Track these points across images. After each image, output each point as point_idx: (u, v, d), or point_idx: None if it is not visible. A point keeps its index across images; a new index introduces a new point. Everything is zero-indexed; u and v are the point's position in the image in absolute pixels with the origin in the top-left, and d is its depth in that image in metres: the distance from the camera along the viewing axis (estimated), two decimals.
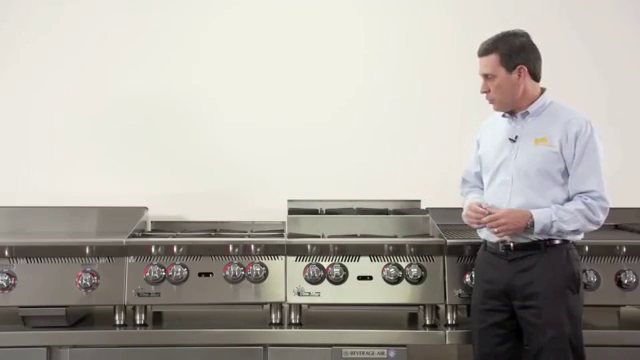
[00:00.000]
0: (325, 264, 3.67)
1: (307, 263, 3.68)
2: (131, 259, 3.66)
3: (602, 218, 3.28)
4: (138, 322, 3.71)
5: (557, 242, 3.29)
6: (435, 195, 4.26)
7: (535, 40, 3.38)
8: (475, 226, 3.42)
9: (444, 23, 4.64)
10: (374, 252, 3.69)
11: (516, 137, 3.37)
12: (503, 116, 3.45)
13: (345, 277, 3.65)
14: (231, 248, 3.68)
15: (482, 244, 3.49)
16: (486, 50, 3.35)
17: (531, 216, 3.24)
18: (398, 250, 3.69)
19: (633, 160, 4.54)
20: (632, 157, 4.54)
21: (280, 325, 3.71)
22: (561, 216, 3.23)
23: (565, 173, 3.31)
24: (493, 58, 3.33)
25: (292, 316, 3.72)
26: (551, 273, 3.26)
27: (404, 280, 3.65)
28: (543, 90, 3.40)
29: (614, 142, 4.27)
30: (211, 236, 3.93)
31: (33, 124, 4.56)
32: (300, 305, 3.71)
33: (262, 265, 3.66)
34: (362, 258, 3.69)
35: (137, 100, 4.58)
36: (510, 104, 3.38)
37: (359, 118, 4.59)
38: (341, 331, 3.64)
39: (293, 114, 4.59)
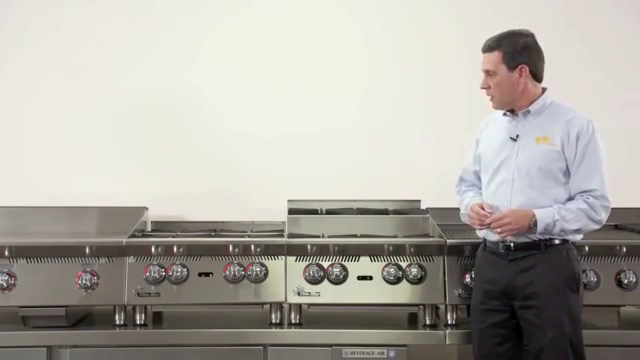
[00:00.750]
0: (325, 264, 3.67)
1: (307, 263, 3.68)
2: (131, 259, 3.66)
3: (604, 217, 3.28)
4: (138, 322, 3.71)
5: (557, 242, 3.29)
6: (435, 195, 4.26)
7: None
8: (477, 227, 3.42)
9: (443, 25, 4.64)
10: (374, 252, 3.69)
11: (517, 136, 3.37)
12: (504, 115, 3.45)
13: (345, 277, 3.65)
14: (231, 248, 3.68)
15: (481, 244, 3.49)
16: (490, 47, 3.36)
17: (534, 215, 3.24)
18: (398, 250, 3.69)
19: (633, 160, 4.54)
20: (632, 157, 4.54)
21: (280, 325, 3.71)
22: (563, 215, 3.23)
23: (566, 172, 3.31)
24: (496, 55, 3.33)
25: (292, 316, 3.72)
26: (551, 273, 3.26)
27: (404, 280, 3.65)
28: (544, 90, 3.40)
29: (614, 142, 4.27)
30: (211, 236, 3.93)
31: (33, 124, 4.56)
32: (300, 305, 3.71)
33: (262, 265, 3.66)
34: (362, 258, 3.69)
35: (137, 100, 4.58)
36: (509, 102, 3.38)
37: (359, 119, 4.60)
38: (341, 331, 3.64)
39: (293, 115, 4.59)
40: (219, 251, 3.69)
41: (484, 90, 3.41)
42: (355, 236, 3.85)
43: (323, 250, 3.69)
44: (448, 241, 3.70)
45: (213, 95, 4.60)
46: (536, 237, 3.27)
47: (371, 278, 3.66)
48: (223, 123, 4.60)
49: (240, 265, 3.66)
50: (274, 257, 3.69)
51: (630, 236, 3.97)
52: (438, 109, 4.57)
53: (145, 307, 3.72)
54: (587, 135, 3.28)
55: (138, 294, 3.63)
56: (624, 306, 3.77)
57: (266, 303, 3.74)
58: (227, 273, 3.65)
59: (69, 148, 4.55)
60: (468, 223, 3.47)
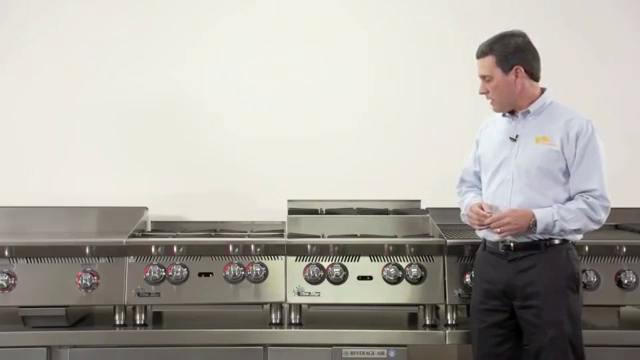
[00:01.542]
0: (325, 264, 3.67)
1: (307, 263, 3.68)
2: (131, 259, 3.66)
3: (604, 217, 3.28)
4: (138, 322, 3.71)
5: (557, 242, 3.29)
6: (435, 195, 4.25)
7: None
8: (476, 227, 3.42)
9: (443, 26, 4.63)
10: (374, 252, 3.69)
11: (517, 136, 3.37)
12: (503, 115, 3.45)
13: (345, 277, 3.65)
14: (231, 248, 3.68)
15: (481, 244, 3.49)
16: (483, 52, 3.36)
17: (533, 215, 3.24)
18: (398, 250, 3.69)
19: (633, 160, 4.54)
20: (632, 157, 4.54)
21: (280, 325, 3.71)
22: (563, 215, 3.23)
23: (566, 172, 3.31)
24: (489, 60, 3.34)
25: (292, 316, 3.72)
26: (551, 273, 3.26)
27: (404, 280, 3.65)
28: (543, 90, 3.40)
29: (614, 142, 4.26)
30: (211, 236, 3.93)
31: (33, 124, 4.56)
32: (300, 305, 3.71)
33: (262, 265, 3.66)
34: (362, 258, 3.69)
35: (138, 100, 4.59)
36: (509, 104, 3.38)
37: (359, 119, 4.60)
38: (341, 331, 3.64)
39: (293, 115, 4.59)
40: (219, 251, 3.69)
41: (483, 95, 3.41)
42: (355, 236, 3.85)
43: (323, 250, 3.69)
44: (448, 241, 3.70)
45: (213, 95, 4.60)
46: (536, 237, 3.27)
47: (371, 278, 3.66)
48: (223, 123, 4.60)
49: (240, 265, 3.66)
50: (274, 257, 3.69)
51: (630, 236, 3.97)
52: (438, 110, 4.57)
53: (145, 307, 3.72)
54: (587, 135, 3.28)
55: (138, 294, 3.63)
56: (624, 306, 3.77)
57: (266, 303, 3.74)
58: (227, 273, 3.65)
59: (69, 148, 4.56)
60: (468, 223, 3.47)
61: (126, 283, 3.63)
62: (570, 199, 3.31)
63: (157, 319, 3.83)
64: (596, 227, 3.30)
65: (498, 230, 3.27)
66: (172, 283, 3.63)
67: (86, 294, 3.61)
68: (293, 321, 3.71)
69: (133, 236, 3.84)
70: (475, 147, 3.62)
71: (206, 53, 4.63)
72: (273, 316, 3.73)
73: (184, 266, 3.65)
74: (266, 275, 3.66)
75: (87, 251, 3.64)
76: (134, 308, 3.71)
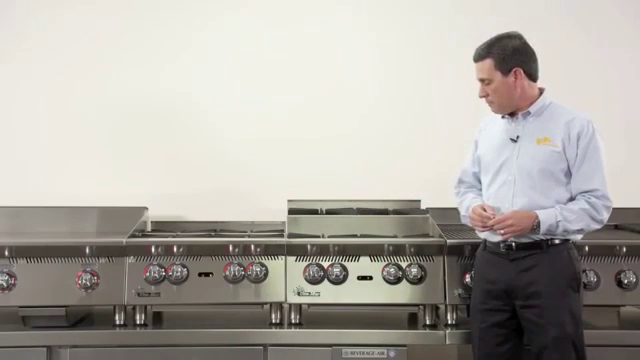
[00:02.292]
0: (325, 264, 3.67)
1: (307, 263, 3.68)
2: (131, 259, 3.66)
3: (606, 217, 3.29)
4: (138, 322, 3.71)
5: (558, 242, 3.29)
6: (435, 195, 4.25)
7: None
8: (479, 229, 3.42)
9: (446, 28, 4.63)
10: (374, 252, 3.69)
11: (517, 137, 3.37)
12: (503, 117, 3.45)
13: (345, 277, 3.65)
14: (231, 248, 3.68)
15: (481, 244, 3.49)
16: (480, 55, 3.36)
17: (537, 217, 3.24)
18: (398, 250, 3.69)
19: (633, 160, 4.53)
20: (632, 157, 4.54)
21: (280, 325, 3.71)
22: (566, 216, 3.24)
23: (568, 173, 3.31)
24: (488, 63, 3.33)
25: (292, 316, 3.72)
26: (553, 273, 3.26)
27: (404, 280, 3.65)
28: (542, 90, 3.40)
29: (614, 142, 4.26)
30: (211, 236, 3.93)
31: (34, 125, 4.57)
32: (300, 305, 3.71)
33: (262, 265, 3.66)
34: (362, 258, 3.69)
35: (138, 101, 4.59)
36: (509, 106, 3.38)
37: (359, 119, 4.60)
38: (341, 331, 3.64)
39: (294, 115, 4.59)
40: (219, 251, 3.69)
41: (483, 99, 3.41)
42: (355, 236, 3.85)
43: (323, 250, 3.69)
44: (448, 241, 3.70)
45: (214, 96, 4.60)
46: (537, 237, 3.28)
47: (371, 278, 3.66)
48: (224, 123, 4.60)
49: (240, 265, 3.66)
50: (274, 257, 3.69)
51: (630, 236, 3.97)
52: (438, 109, 4.58)
53: (145, 307, 3.72)
54: (588, 135, 3.28)
55: (138, 294, 3.63)
56: (624, 306, 3.77)
57: (266, 303, 3.74)
58: (227, 273, 3.65)
59: (69, 148, 4.55)
60: (469, 225, 3.47)
61: (126, 283, 3.63)
62: (572, 199, 3.31)
63: (157, 319, 3.83)
64: (598, 227, 3.30)
65: (502, 232, 3.27)
66: (172, 283, 3.63)
67: (86, 294, 3.61)
68: (293, 321, 3.71)
69: (133, 236, 3.83)
70: (474, 148, 3.61)
71: (207, 53, 4.63)
72: (273, 316, 3.73)
73: (184, 266, 3.65)
74: (266, 275, 3.66)
75: (87, 251, 3.64)
76: (134, 308, 3.71)
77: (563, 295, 3.25)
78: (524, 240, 3.30)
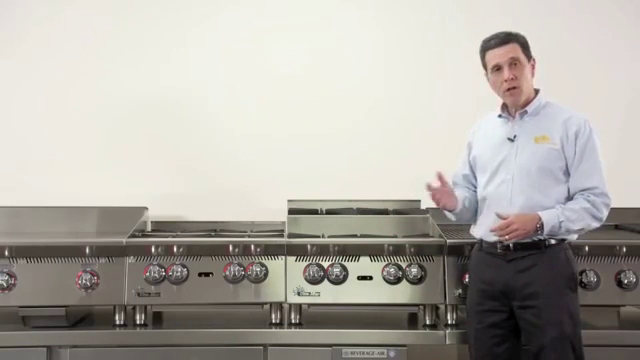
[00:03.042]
0: (325, 264, 3.67)
1: (307, 263, 3.68)
2: (131, 259, 3.66)
3: (605, 214, 3.29)
4: (138, 322, 3.71)
5: (555, 242, 3.30)
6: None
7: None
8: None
9: (450, 27, 4.63)
10: (374, 252, 3.69)
11: (515, 136, 3.38)
12: (499, 116, 3.46)
13: (345, 277, 3.66)
14: (231, 248, 3.68)
15: (477, 244, 3.49)
16: (504, 40, 3.34)
17: (540, 219, 3.24)
18: (398, 250, 3.69)
19: (633, 160, 4.53)
20: (632, 157, 4.53)
21: (280, 325, 3.71)
22: (568, 216, 3.24)
23: (566, 171, 3.32)
24: (515, 46, 3.33)
25: (292, 316, 3.72)
26: (551, 273, 3.26)
27: (404, 280, 3.65)
28: (537, 91, 3.42)
29: (614, 142, 4.27)
30: (211, 236, 3.93)
31: (33, 124, 4.57)
32: (300, 305, 3.71)
33: (262, 265, 3.66)
34: (362, 258, 3.69)
35: (137, 101, 4.59)
36: (526, 95, 3.37)
37: (359, 119, 4.59)
38: (341, 331, 3.64)
39: (293, 116, 4.59)
40: (219, 251, 3.69)
41: (507, 82, 3.32)
42: (355, 236, 3.85)
43: (323, 250, 3.69)
44: (448, 241, 3.70)
45: (213, 95, 4.61)
46: (536, 237, 3.28)
47: (371, 278, 3.66)
48: (223, 123, 4.60)
49: (240, 265, 3.66)
50: (274, 257, 3.69)
51: (630, 236, 3.97)
52: (439, 109, 4.57)
53: (145, 307, 3.72)
54: (585, 133, 3.30)
55: (138, 294, 3.63)
56: (624, 306, 3.77)
57: (266, 303, 3.74)
58: (227, 273, 3.65)
59: (69, 148, 4.55)
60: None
61: (126, 283, 3.63)
62: (570, 198, 3.31)
63: (157, 319, 3.83)
64: (598, 225, 3.31)
65: (507, 237, 3.26)
66: (172, 283, 3.64)
67: (86, 294, 3.61)
68: (293, 321, 3.71)
69: (133, 236, 3.83)
70: (467, 150, 3.61)
71: (207, 53, 4.63)
72: (273, 316, 3.73)
73: (184, 266, 3.65)
74: (266, 275, 3.66)
75: (87, 251, 3.64)
76: (134, 308, 3.71)
77: (561, 295, 3.25)
78: (522, 240, 3.30)
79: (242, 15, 4.64)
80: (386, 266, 3.67)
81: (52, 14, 4.61)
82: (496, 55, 3.34)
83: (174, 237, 3.83)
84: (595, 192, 3.27)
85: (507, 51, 3.32)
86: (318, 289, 3.65)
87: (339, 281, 3.65)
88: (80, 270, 3.62)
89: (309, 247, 3.69)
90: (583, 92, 4.41)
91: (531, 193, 3.31)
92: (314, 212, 4.22)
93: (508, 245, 3.32)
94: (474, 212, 3.53)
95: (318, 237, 3.81)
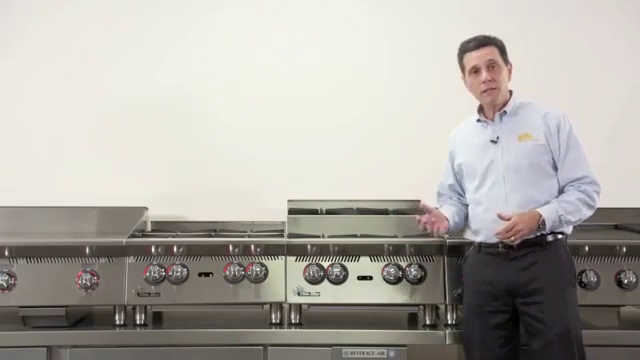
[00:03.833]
0: (325, 264, 3.67)
1: (307, 263, 3.68)
2: (131, 259, 3.66)
3: (597, 202, 3.35)
4: (138, 322, 3.71)
5: (554, 238, 3.32)
6: (435, 195, 4.24)
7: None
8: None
9: (452, 28, 4.61)
10: (374, 252, 3.69)
11: (497, 138, 3.41)
12: (477, 121, 3.49)
13: (345, 277, 3.66)
14: (231, 248, 3.68)
15: (473, 247, 3.50)
16: (483, 42, 3.40)
17: (540, 216, 3.26)
18: (398, 250, 3.69)
19: (632, 159, 4.53)
20: (631, 156, 4.53)
21: (280, 325, 3.71)
22: (565, 208, 3.28)
23: (554, 165, 3.37)
24: (493, 49, 3.39)
25: (292, 316, 3.72)
26: (553, 268, 3.29)
27: (404, 280, 3.66)
28: (511, 92, 3.47)
29: (613, 142, 4.27)
30: (211, 236, 3.93)
31: (33, 125, 4.57)
32: (300, 305, 3.71)
33: (262, 265, 3.66)
34: (362, 258, 3.69)
35: (137, 100, 4.59)
36: (502, 97, 3.42)
37: (359, 118, 4.60)
38: (341, 331, 3.64)
39: (293, 115, 4.59)
40: (219, 251, 3.69)
41: (484, 84, 3.37)
42: (355, 236, 3.85)
43: (323, 250, 3.69)
44: (448, 241, 3.70)
45: (213, 94, 4.61)
46: (538, 232, 3.29)
47: (371, 278, 3.66)
48: (224, 123, 4.60)
49: (240, 265, 3.66)
50: (274, 257, 3.69)
51: (630, 236, 3.97)
52: (438, 109, 4.56)
53: (145, 307, 3.72)
54: (566, 127, 3.36)
55: (138, 294, 3.63)
56: (624, 306, 3.76)
57: (266, 303, 3.74)
58: (227, 273, 3.65)
59: (69, 148, 4.56)
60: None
61: (126, 283, 3.63)
62: (561, 190, 3.35)
63: (157, 319, 3.83)
64: (591, 212, 3.35)
65: (512, 239, 3.26)
66: (172, 283, 3.64)
67: (86, 294, 3.61)
68: (293, 321, 3.71)
69: (133, 236, 3.83)
70: (449, 160, 3.65)
71: (206, 51, 4.63)
72: (273, 316, 3.73)
73: (184, 266, 3.65)
74: (266, 275, 3.66)
75: (87, 251, 3.64)
76: (134, 308, 3.71)
77: (564, 290, 3.28)
78: (526, 237, 3.30)
79: (239, 12, 4.64)
80: (386, 266, 3.67)
81: (51, 13, 4.61)
82: (474, 57, 3.39)
83: (174, 237, 3.83)
84: (585, 181, 3.32)
85: (485, 53, 3.38)
86: (318, 289, 3.65)
87: (339, 281, 3.65)
88: (80, 270, 3.61)
89: (309, 247, 3.69)
90: (583, 91, 4.41)
91: (525, 190, 3.34)
92: (314, 212, 4.22)
93: (511, 244, 3.31)
94: (465, 220, 3.55)
95: (318, 237, 3.81)
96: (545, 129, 3.35)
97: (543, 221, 3.26)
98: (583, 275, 3.61)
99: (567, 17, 4.66)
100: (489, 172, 3.41)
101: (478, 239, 3.46)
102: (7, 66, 4.60)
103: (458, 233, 3.78)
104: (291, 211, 4.15)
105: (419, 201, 4.32)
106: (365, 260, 3.68)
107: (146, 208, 4.28)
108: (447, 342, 3.62)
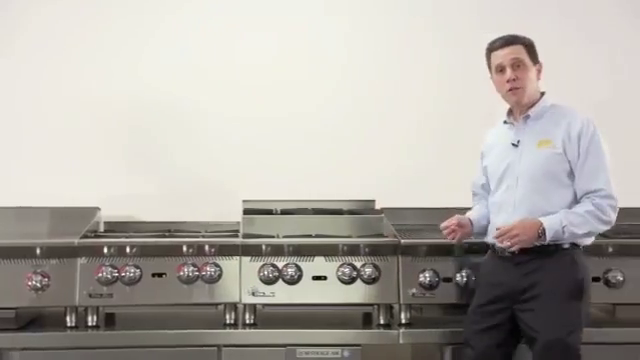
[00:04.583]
0: (280, 264, 3.67)
1: (262, 263, 3.67)
2: (83, 260, 3.61)
3: (613, 217, 3.25)
4: (90, 324, 3.66)
5: (564, 246, 3.26)
6: (390, 195, 4.28)
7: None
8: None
9: (410, 24, 4.65)
10: (329, 252, 3.69)
11: (518, 141, 3.37)
12: (504, 122, 3.47)
13: (300, 277, 3.65)
14: (185, 248, 3.66)
15: (490, 248, 3.49)
16: (509, 41, 3.35)
17: (541, 224, 3.21)
18: (352, 250, 3.70)
19: (633, 159, 4.55)
20: (632, 156, 4.56)
21: (234, 326, 3.69)
22: (571, 220, 3.20)
23: (570, 174, 3.29)
24: (520, 48, 3.34)
25: (246, 316, 3.71)
26: (552, 276, 3.23)
27: (358, 280, 3.66)
28: (542, 94, 3.42)
29: (616, 142, 4.25)
30: (165, 236, 3.90)
31: None
32: (255, 305, 3.70)
33: (216, 265, 3.65)
34: (317, 258, 3.69)
35: (88, 100, 4.51)
36: (529, 97, 3.36)
37: (313, 118, 4.59)
38: (295, 331, 3.64)
39: (248, 115, 4.57)
40: (173, 251, 3.66)
41: (509, 82, 3.32)
42: (310, 236, 3.85)
43: (278, 250, 3.68)
44: (402, 241, 3.71)
45: (166, 95, 4.56)
46: (538, 243, 3.25)
47: (326, 278, 3.67)
48: (177, 123, 4.56)
49: (194, 265, 3.64)
50: (228, 257, 3.68)
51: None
52: (392, 109, 4.59)
53: (97, 308, 3.67)
54: (588, 134, 3.26)
55: (90, 295, 3.59)
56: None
57: (220, 304, 3.72)
58: (181, 274, 3.62)
59: (20, 147, 4.49)
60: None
61: (78, 284, 3.58)
62: (577, 200, 3.29)
63: (110, 321, 3.79)
64: (606, 228, 3.28)
65: (508, 243, 3.25)
66: (125, 284, 3.60)
67: (36, 295, 3.55)
68: (247, 321, 3.70)
69: (85, 237, 3.78)
70: (481, 159, 3.62)
71: (156, 51, 4.58)
72: (227, 316, 3.71)
73: (137, 267, 3.62)
74: (220, 275, 3.64)
75: (38, 252, 3.58)
76: (86, 309, 3.65)
77: (560, 300, 3.21)
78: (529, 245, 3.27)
79: (208, 9, 4.61)
80: (341, 266, 3.67)
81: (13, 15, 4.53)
82: (499, 56, 3.36)
83: (127, 237, 3.79)
84: (600, 194, 3.22)
85: (510, 52, 3.34)
86: (273, 289, 3.65)
87: (294, 281, 3.65)
88: (30, 271, 3.55)
89: (264, 247, 3.69)
90: (583, 91, 4.40)
91: (533, 198, 3.29)
92: (269, 212, 4.21)
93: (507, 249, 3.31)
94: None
95: (273, 237, 3.80)
96: (565, 136, 3.27)
97: (543, 230, 3.21)
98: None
99: (574, 18, 4.70)
100: (505, 176, 3.39)
101: (489, 241, 3.46)
102: None
103: (413, 233, 3.82)
104: (246, 211, 4.14)
105: (374, 201, 4.38)
106: (320, 260, 3.69)
107: (98, 208, 4.23)
108: (401, 341, 3.64)
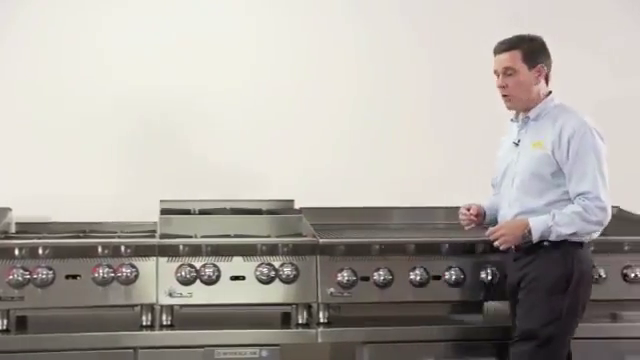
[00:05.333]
0: (197, 264, 3.64)
1: (179, 263, 3.63)
2: None
3: (601, 217, 3.30)
4: (0, 328, 3.56)
5: (558, 242, 3.32)
6: (308, 195, 4.30)
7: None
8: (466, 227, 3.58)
9: (340, 22, 4.67)
10: (247, 252, 3.68)
11: (519, 141, 3.46)
12: (511, 120, 3.54)
13: (218, 277, 3.63)
14: (100, 249, 3.59)
15: None
16: (507, 47, 3.40)
17: (527, 225, 3.30)
18: (271, 250, 3.70)
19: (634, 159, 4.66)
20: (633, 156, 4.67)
21: (151, 327, 3.64)
22: (558, 220, 3.27)
23: (558, 174, 3.34)
24: (515, 54, 3.38)
25: (164, 317, 3.66)
26: (538, 271, 3.33)
27: (277, 279, 3.66)
28: (548, 93, 3.46)
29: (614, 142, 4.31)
30: (79, 237, 3.82)
31: None
32: (172, 306, 3.66)
33: (132, 266, 3.59)
34: (235, 258, 3.67)
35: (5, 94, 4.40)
36: (524, 103, 3.42)
37: (233, 118, 4.58)
38: (213, 332, 3.61)
39: (167, 111, 4.53)
40: (88, 253, 3.59)
41: (499, 89, 3.42)
42: (228, 236, 3.83)
43: (195, 250, 3.65)
44: (320, 240, 3.73)
45: (80, 91, 4.48)
46: (525, 241, 3.36)
47: (244, 278, 3.65)
48: (90, 121, 4.49)
49: (109, 266, 3.57)
50: (145, 258, 3.63)
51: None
52: (312, 109, 4.61)
53: (8, 312, 3.57)
54: (579, 136, 3.30)
55: (0, 298, 3.48)
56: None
57: (137, 305, 3.66)
58: (96, 275, 3.55)
59: None
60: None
61: None
62: (567, 200, 3.35)
63: (21, 324, 3.68)
64: (595, 228, 3.32)
65: (496, 244, 3.36)
66: (37, 286, 3.51)
67: None
68: (164, 323, 3.65)
69: None
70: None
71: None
72: (144, 318, 3.65)
73: (50, 268, 3.53)
74: (137, 276, 3.59)
75: None
76: None
77: (543, 294, 3.30)
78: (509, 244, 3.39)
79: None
80: (259, 266, 3.66)
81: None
82: (495, 61, 3.44)
83: (39, 239, 3.71)
84: (588, 196, 3.27)
85: (504, 59, 3.39)
86: (190, 290, 3.61)
87: (212, 281, 3.62)
88: None
89: (181, 247, 3.65)
90: (584, 92, 4.44)
91: (524, 198, 3.38)
92: (187, 212, 4.18)
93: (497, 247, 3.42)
94: None
95: (190, 237, 3.77)
96: (555, 138, 3.31)
97: (529, 230, 3.29)
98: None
99: (576, 20, 4.77)
100: (505, 174, 3.48)
101: None
102: None
103: (332, 233, 3.85)
104: (163, 211, 4.10)
105: (292, 201, 4.39)
106: (238, 260, 3.67)
107: (10, 209, 4.13)
108: (319, 340, 3.65)
